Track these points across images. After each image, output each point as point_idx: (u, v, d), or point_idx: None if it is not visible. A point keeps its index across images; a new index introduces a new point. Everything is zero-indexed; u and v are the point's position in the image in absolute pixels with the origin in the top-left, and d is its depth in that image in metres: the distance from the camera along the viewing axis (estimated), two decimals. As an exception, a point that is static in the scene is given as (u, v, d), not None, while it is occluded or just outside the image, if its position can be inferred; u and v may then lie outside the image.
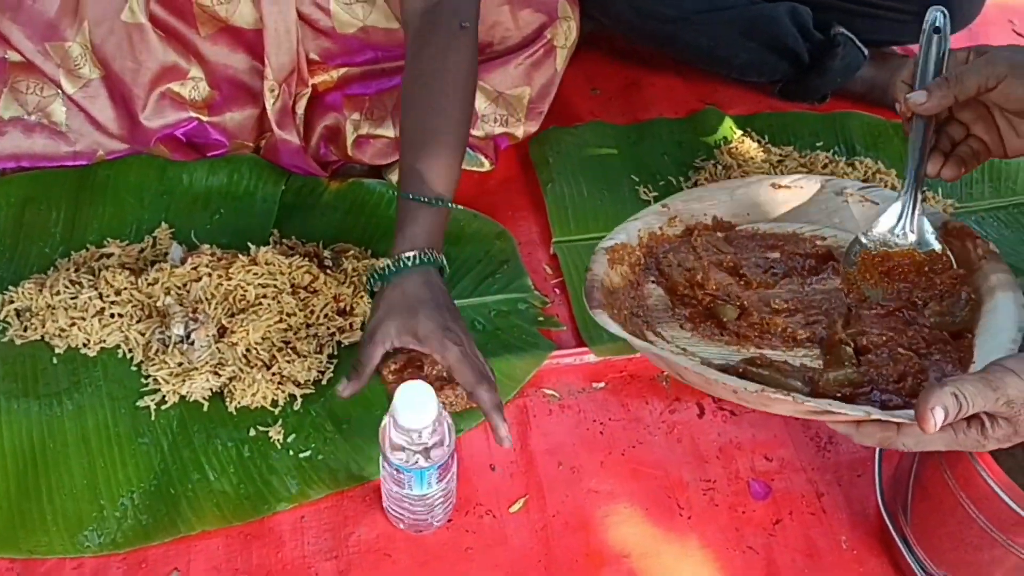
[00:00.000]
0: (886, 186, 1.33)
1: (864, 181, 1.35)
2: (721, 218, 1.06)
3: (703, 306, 0.98)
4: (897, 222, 0.98)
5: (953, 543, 0.96)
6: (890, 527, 1.02)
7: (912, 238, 0.97)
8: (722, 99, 1.52)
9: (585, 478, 1.09)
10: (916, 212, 0.96)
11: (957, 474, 0.90)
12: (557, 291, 1.27)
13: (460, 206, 1.31)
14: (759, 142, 1.43)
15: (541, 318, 1.22)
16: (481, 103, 1.26)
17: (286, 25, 1.20)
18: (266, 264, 1.15)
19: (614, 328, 0.90)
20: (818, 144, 1.44)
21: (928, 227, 0.97)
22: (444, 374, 1.13)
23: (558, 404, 1.16)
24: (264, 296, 1.13)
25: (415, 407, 0.88)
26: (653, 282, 1.00)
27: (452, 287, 1.23)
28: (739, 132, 1.44)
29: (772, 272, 1.01)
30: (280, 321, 1.13)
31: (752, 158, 1.38)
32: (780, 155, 1.39)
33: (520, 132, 1.30)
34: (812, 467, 1.12)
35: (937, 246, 0.97)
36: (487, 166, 1.32)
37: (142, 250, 1.21)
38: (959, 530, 0.93)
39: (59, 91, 1.23)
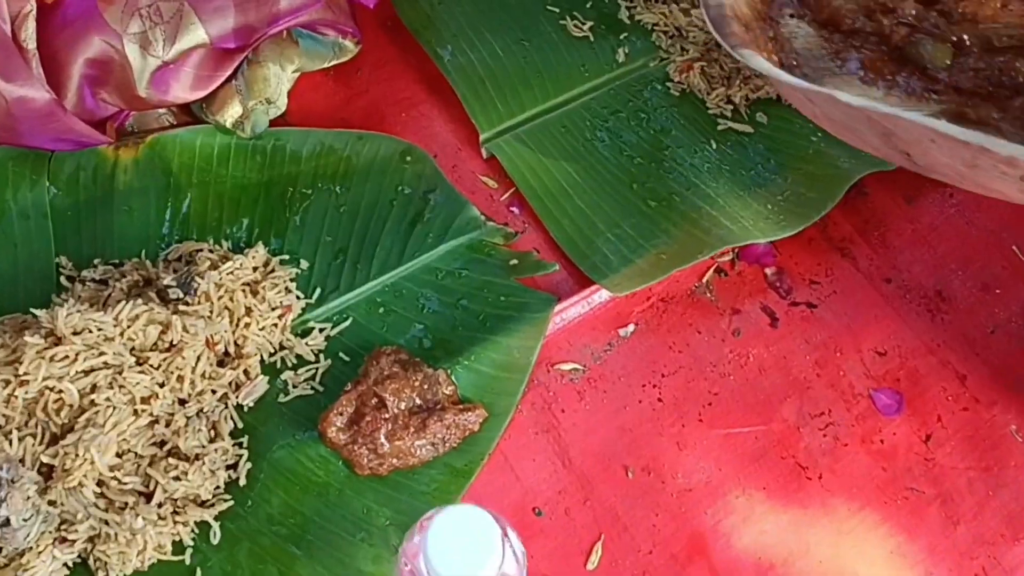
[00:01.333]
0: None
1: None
2: None
3: (891, 45, 0.61)
4: None
5: None
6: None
7: None
8: None
9: (667, 477, 0.75)
10: None
11: None
12: (515, 210, 0.86)
13: (332, 130, 0.86)
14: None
15: (515, 261, 0.82)
16: None
17: None
18: (76, 335, 0.69)
19: (775, 71, 0.57)
20: None
21: None
22: (418, 400, 0.74)
23: (585, 379, 0.79)
24: (96, 388, 0.68)
25: (470, 554, 0.49)
26: (792, 16, 0.63)
27: (368, 259, 0.81)
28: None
29: None
30: (137, 417, 0.69)
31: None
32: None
33: None
34: (936, 342, 0.82)
35: None
36: (352, 49, 0.86)
37: None
38: None
39: None
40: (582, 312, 0.81)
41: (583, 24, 0.94)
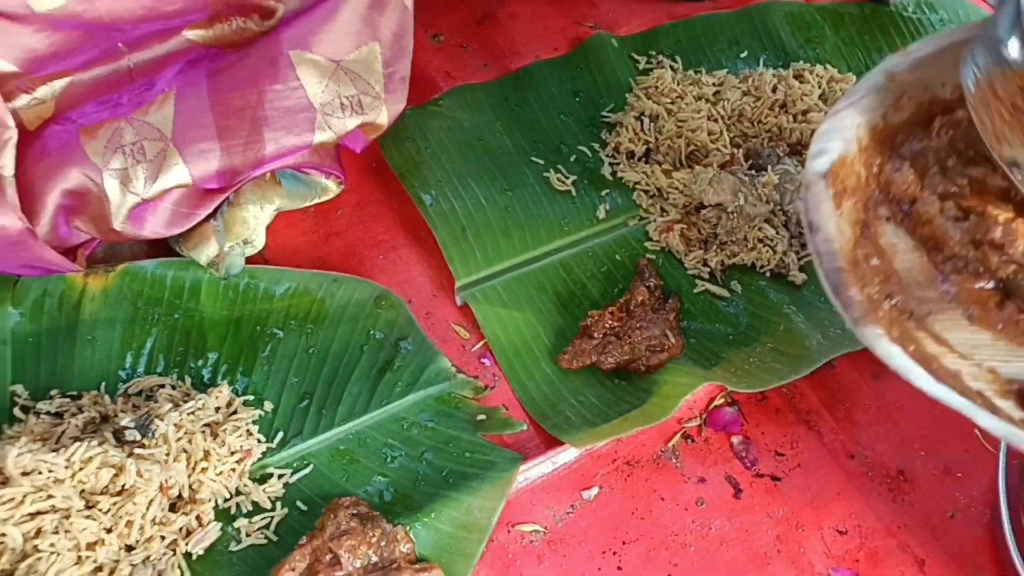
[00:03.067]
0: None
1: (820, 96, 1.02)
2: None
3: (997, 278, 0.62)
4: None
5: None
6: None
7: None
8: (606, 17, 1.11)
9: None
10: None
11: None
12: (486, 362, 0.86)
13: (308, 270, 0.86)
14: (673, 68, 1.05)
15: (482, 417, 0.81)
16: (315, 87, 0.79)
17: None
18: (25, 475, 0.66)
19: (919, 375, 0.56)
20: (742, 55, 1.08)
21: None
22: (374, 557, 0.72)
23: (545, 541, 0.78)
24: (40, 532, 0.66)
25: None
26: (888, 220, 0.63)
27: (334, 404, 0.80)
28: (643, 59, 1.06)
29: None
30: (80, 564, 0.66)
31: (680, 96, 1.00)
32: (715, 84, 1.02)
33: (383, 116, 0.83)
34: (896, 523, 0.81)
35: None
36: (334, 190, 0.86)
37: None
38: None
39: None
40: (546, 472, 0.80)
41: (566, 178, 0.96)
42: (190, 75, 0.78)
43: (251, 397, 0.79)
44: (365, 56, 0.80)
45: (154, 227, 0.77)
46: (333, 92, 0.79)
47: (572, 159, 0.97)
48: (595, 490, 0.81)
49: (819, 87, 1.03)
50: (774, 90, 1.01)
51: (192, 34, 0.79)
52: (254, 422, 0.77)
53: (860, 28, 1.14)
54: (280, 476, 0.76)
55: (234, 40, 0.79)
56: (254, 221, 0.80)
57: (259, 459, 0.76)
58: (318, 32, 0.78)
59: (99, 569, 0.67)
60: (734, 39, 1.10)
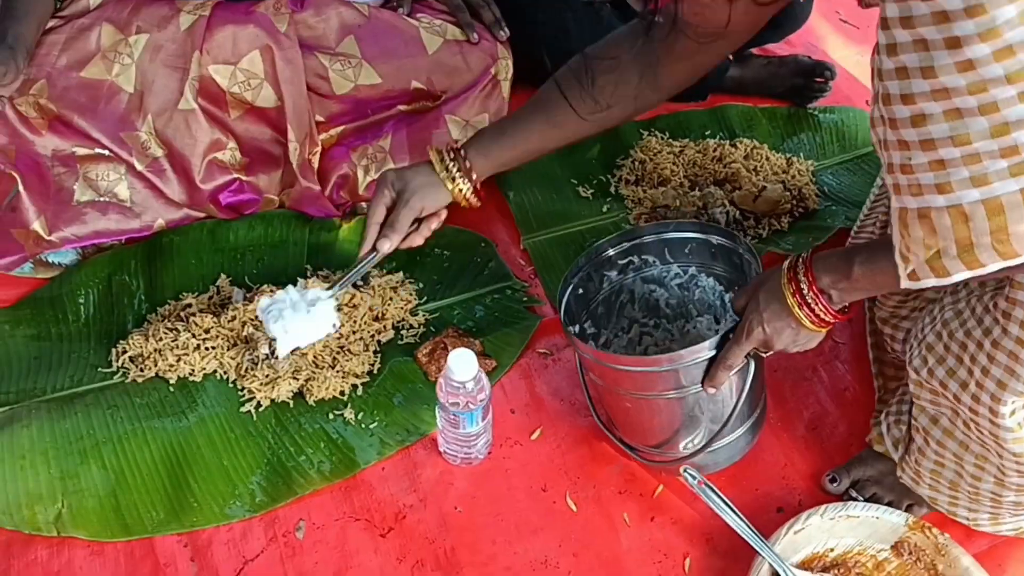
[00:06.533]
0: (763, 157, 1.76)
1: (745, 157, 1.78)
2: None
3: None
4: None
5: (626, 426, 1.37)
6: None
7: None
8: (629, 109, 1.92)
9: (582, 409, 1.48)
10: None
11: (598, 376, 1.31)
12: (533, 276, 1.65)
13: (452, 226, 1.69)
14: (662, 138, 1.83)
15: (525, 299, 1.60)
16: (456, 132, 1.65)
17: (301, 98, 1.57)
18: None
19: None
20: (707, 133, 1.86)
21: None
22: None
23: (551, 359, 1.54)
24: (321, 315, 1.49)
25: (463, 365, 1.25)
26: None
27: (452, 288, 1.61)
28: (646, 133, 1.85)
29: None
30: (333, 329, 1.49)
31: (659, 151, 1.78)
32: (680, 146, 1.80)
33: None
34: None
35: None
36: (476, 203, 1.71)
37: (210, 297, 1.55)
38: (623, 416, 1.35)
39: (123, 174, 1.57)
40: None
41: (588, 190, 1.75)
42: (399, 125, 1.65)
43: (412, 280, 1.61)
44: (481, 120, 1.65)
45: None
46: (463, 135, 1.63)
47: (594, 181, 1.77)
48: (580, 339, 1.57)
49: (744, 150, 1.79)
50: (715, 150, 1.78)
51: (401, 107, 1.66)
52: (414, 290, 1.59)
53: (786, 121, 1.89)
54: (423, 314, 1.57)
55: (419, 110, 1.66)
56: (423, 195, 1.65)
57: (414, 306, 1.57)
58: (458, 108, 1.64)
59: (340, 337, 1.49)
60: (703, 124, 1.88)
